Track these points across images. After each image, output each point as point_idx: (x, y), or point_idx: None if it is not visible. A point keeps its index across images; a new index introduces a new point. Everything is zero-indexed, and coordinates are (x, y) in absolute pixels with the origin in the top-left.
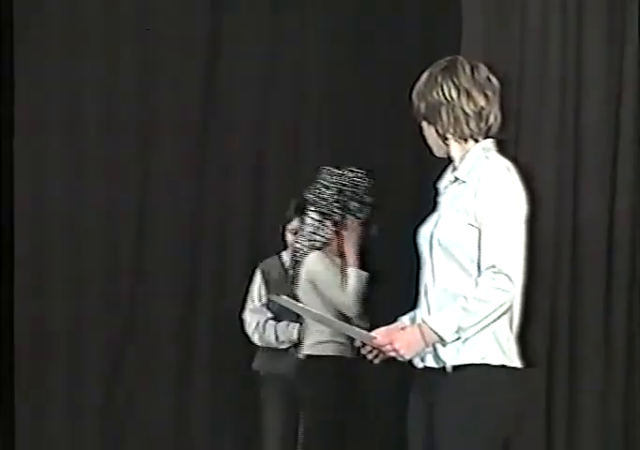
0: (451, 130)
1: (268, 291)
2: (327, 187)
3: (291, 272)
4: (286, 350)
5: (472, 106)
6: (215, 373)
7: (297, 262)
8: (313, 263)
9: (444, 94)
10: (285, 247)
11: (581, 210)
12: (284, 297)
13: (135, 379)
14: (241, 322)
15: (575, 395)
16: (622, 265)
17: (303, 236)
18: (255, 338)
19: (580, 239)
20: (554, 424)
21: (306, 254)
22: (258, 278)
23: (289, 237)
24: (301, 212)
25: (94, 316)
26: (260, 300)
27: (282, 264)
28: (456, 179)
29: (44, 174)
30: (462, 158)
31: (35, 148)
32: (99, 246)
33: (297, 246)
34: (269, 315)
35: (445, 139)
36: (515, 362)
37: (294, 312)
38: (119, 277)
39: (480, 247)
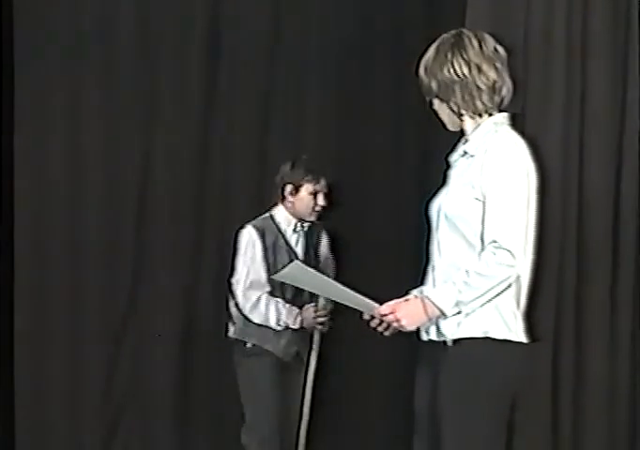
0: (465, 107)
1: (267, 257)
2: None
3: None
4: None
5: (485, 80)
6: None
7: None
8: None
9: (455, 71)
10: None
11: (587, 183)
12: (299, 263)
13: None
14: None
15: (582, 370)
16: (629, 239)
17: None
18: (254, 316)
19: (586, 213)
20: (560, 400)
21: None
22: (258, 242)
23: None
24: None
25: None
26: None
27: (278, 227)
28: (465, 153)
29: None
30: (473, 132)
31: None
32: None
33: None
34: (267, 289)
35: (460, 115)
36: (520, 337)
37: (292, 286)
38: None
39: (483, 221)
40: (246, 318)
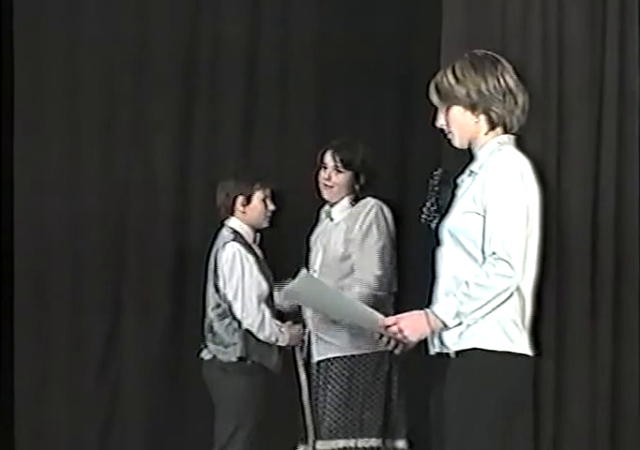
0: (503, 119)
1: (261, 269)
2: None
3: None
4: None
5: (520, 100)
6: None
7: None
8: None
9: (503, 82)
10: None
11: (565, 188)
12: (306, 272)
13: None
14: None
15: (562, 381)
16: (607, 242)
17: None
18: (260, 333)
19: (565, 214)
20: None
21: None
22: (249, 255)
23: None
24: None
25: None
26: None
27: (245, 239)
28: (471, 172)
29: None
30: (479, 151)
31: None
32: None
33: None
34: (270, 302)
35: (492, 128)
36: (524, 349)
37: None
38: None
39: (484, 235)
40: (252, 335)
